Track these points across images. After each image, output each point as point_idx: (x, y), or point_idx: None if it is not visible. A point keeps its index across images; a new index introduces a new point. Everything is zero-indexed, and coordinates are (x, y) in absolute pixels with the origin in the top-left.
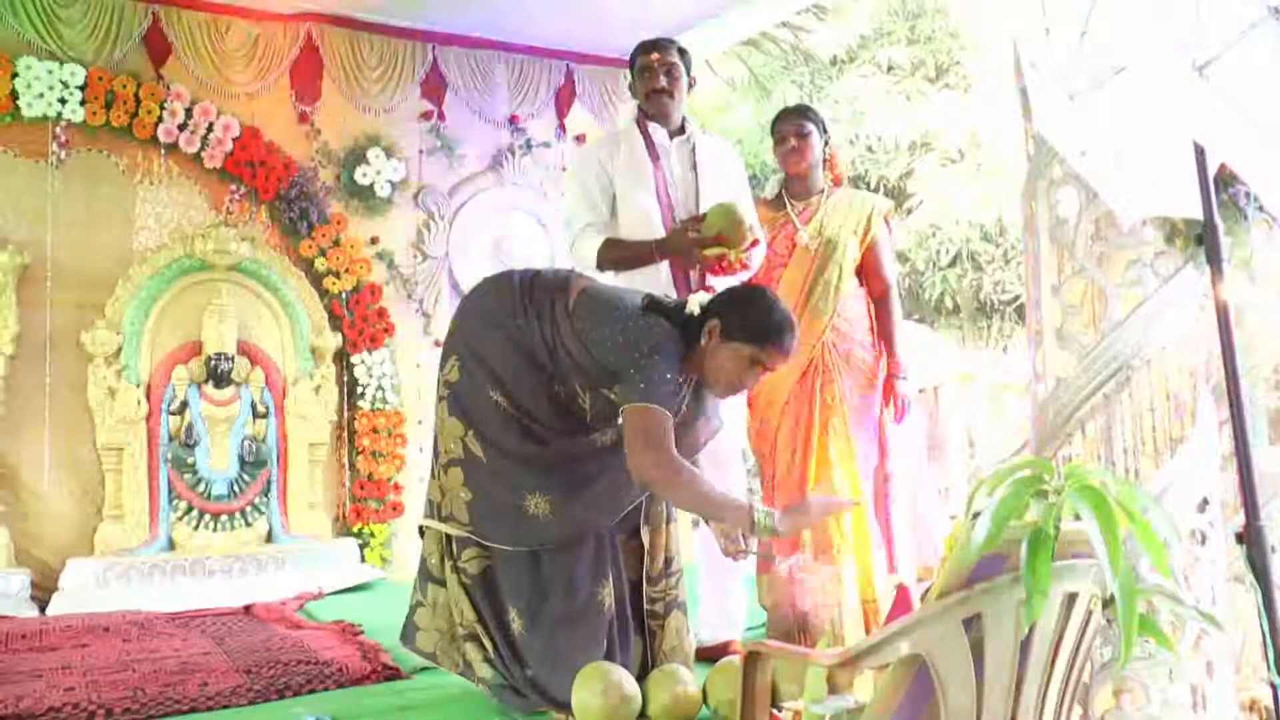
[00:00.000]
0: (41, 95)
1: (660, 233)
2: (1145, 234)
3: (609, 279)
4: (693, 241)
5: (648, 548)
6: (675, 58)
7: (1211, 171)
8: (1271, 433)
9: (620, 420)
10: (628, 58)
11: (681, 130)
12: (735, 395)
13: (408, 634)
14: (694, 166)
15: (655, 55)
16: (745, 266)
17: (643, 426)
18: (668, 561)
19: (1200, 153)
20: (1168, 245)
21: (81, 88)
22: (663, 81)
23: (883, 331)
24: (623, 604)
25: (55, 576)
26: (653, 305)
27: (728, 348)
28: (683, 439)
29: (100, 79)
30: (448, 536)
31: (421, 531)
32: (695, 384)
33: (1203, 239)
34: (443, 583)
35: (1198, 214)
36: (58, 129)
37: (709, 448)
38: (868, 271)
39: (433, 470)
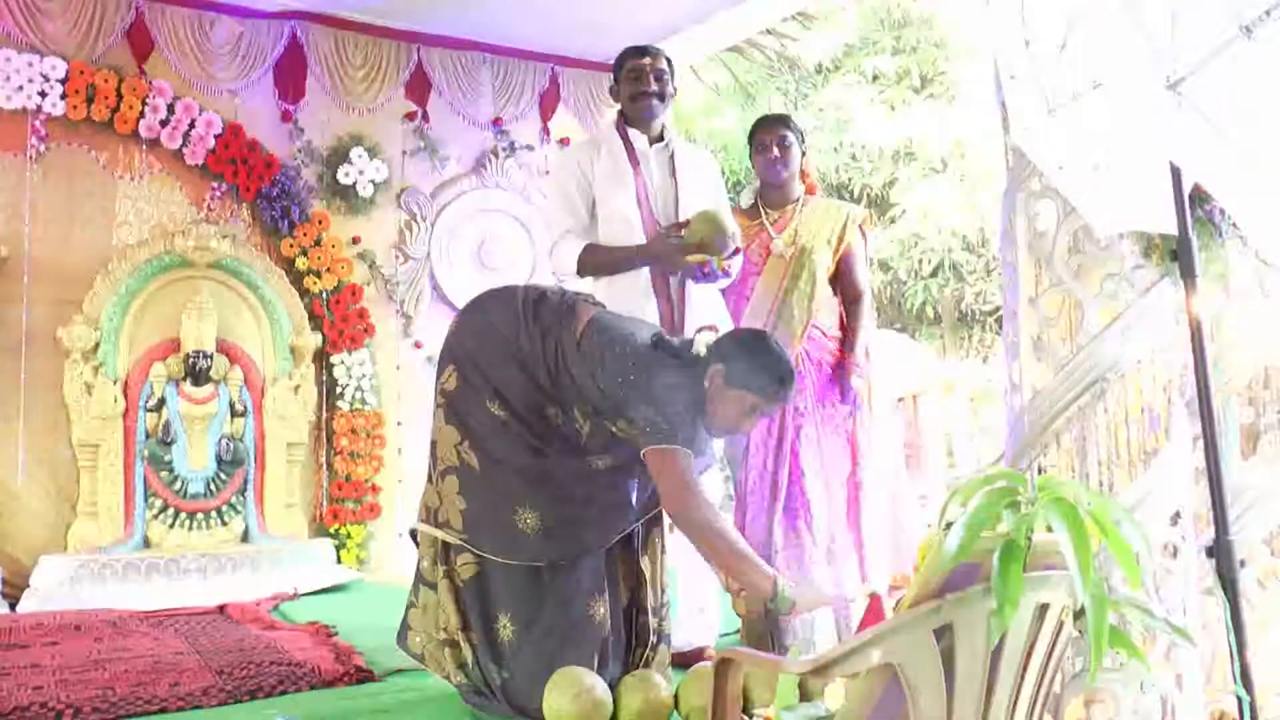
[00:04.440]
0: (21, 88)
1: (640, 238)
2: (1122, 248)
3: (588, 284)
4: (675, 248)
5: (649, 578)
6: (664, 64)
7: (1187, 188)
8: (1244, 447)
9: (615, 449)
10: (612, 62)
11: (661, 137)
12: (730, 435)
13: (401, 633)
14: (673, 173)
15: (647, 59)
16: (726, 274)
17: (674, 469)
18: (662, 590)
19: (1176, 170)
20: (1144, 259)
21: (62, 81)
22: (653, 86)
23: (849, 327)
24: (615, 619)
25: (27, 574)
26: (660, 343)
27: (730, 393)
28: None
29: (81, 73)
30: (443, 541)
31: (414, 535)
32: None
33: (1177, 255)
34: (434, 586)
35: (1174, 229)
36: (37, 122)
37: None
38: (843, 280)
39: (430, 476)
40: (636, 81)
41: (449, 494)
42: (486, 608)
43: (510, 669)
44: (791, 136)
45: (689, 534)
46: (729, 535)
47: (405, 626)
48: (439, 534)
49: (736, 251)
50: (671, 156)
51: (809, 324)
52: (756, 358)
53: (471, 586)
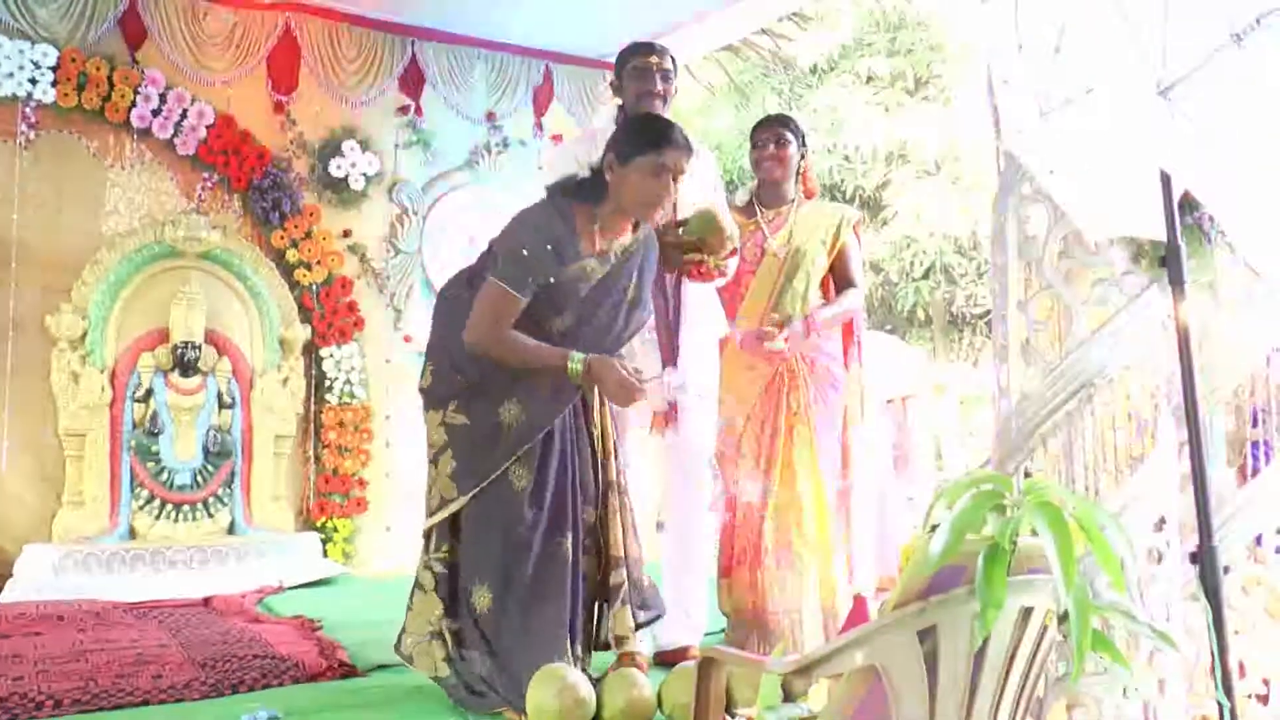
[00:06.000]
0: (11, 75)
1: None
2: (1112, 253)
3: None
4: (672, 245)
5: (599, 431)
6: (670, 64)
7: (1176, 195)
8: (1229, 454)
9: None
10: (605, 59)
11: None
12: (658, 213)
13: (398, 639)
14: None
15: (653, 58)
16: (723, 274)
17: (489, 303)
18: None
19: (1165, 177)
20: (1133, 265)
21: (53, 68)
22: (659, 85)
23: (835, 297)
24: (577, 566)
25: (11, 563)
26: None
27: (629, 170)
28: (618, 323)
29: (73, 60)
30: (426, 538)
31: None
32: (639, 272)
33: (1166, 261)
34: (423, 586)
35: (1163, 236)
36: (27, 109)
37: (676, 458)
38: (836, 273)
39: (428, 481)
40: (641, 80)
41: (443, 472)
42: (463, 587)
43: (497, 645)
44: (790, 136)
45: (485, 357)
46: (519, 346)
47: (402, 631)
48: (439, 517)
49: (734, 252)
50: None
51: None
52: (633, 125)
53: (448, 571)
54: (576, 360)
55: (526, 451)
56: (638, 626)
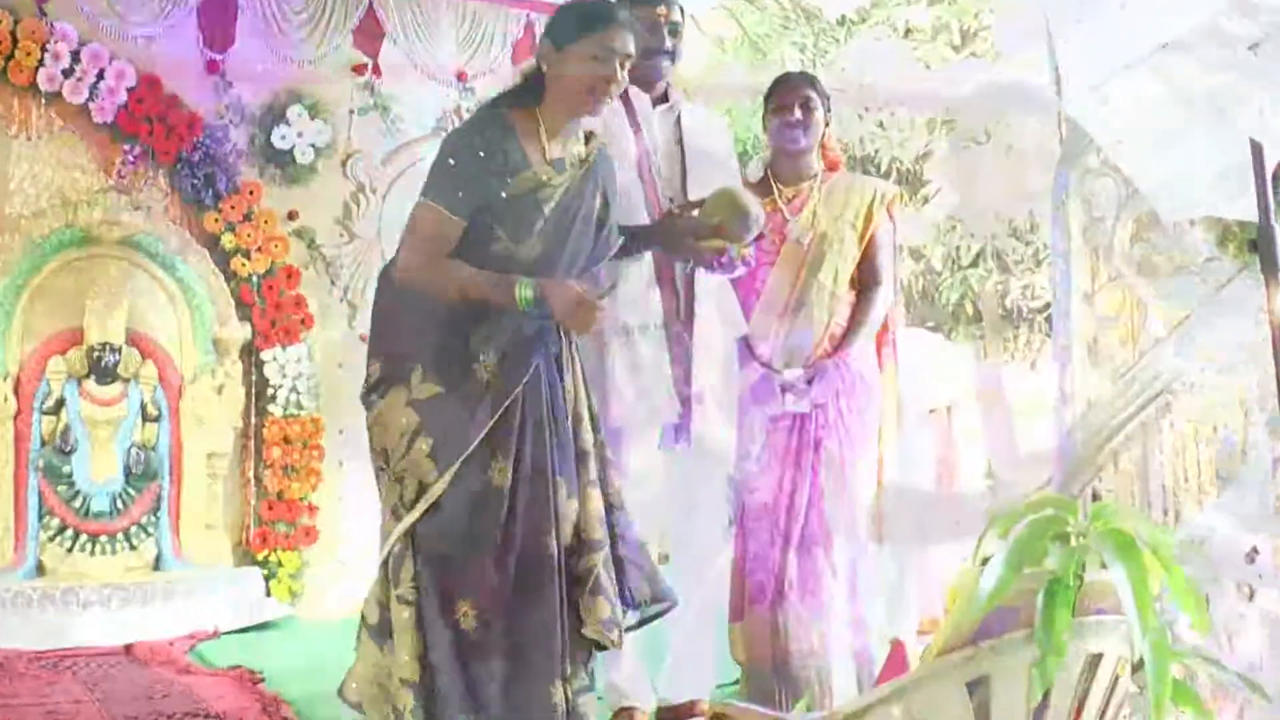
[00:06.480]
0: None
1: (642, 216)
2: (1192, 237)
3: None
4: (687, 231)
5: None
6: (678, 15)
7: (1269, 168)
8: None
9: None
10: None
11: (665, 98)
12: (607, 98)
13: (343, 682)
14: (679, 140)
15: (660, 8)
16: (746, 263)
17: (416, 225)
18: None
19: (1256, 147)
20: (1218, 250)
21: None
22: (666, 42)
23: (853, 318)
24: (561, 566)
25: None
26: None
27: (568, 56)
28: (587, 247)
29: None
30: (384, 573)
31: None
32: (604, 189)
33: (1258, 245)
34: (372, 627)
35: (1253, 215)
36: None
37: (686, 478)
38: (860, 273)
39: (387, 484)
40: (649, 34)
41: (418, 456)
42: (446, 608)
43: (479, 670)
44: (816, 99)
45: (415, 289)
46: (457, 275)
47: (349, 674)
48: (413, 517)
49: (760, 237)
50: (677, 120)
51: (831, 324)
52: (570, 6)
53: (422, 599)
54: (526, 285)
55: (505, 442)
56: (641, 622)
